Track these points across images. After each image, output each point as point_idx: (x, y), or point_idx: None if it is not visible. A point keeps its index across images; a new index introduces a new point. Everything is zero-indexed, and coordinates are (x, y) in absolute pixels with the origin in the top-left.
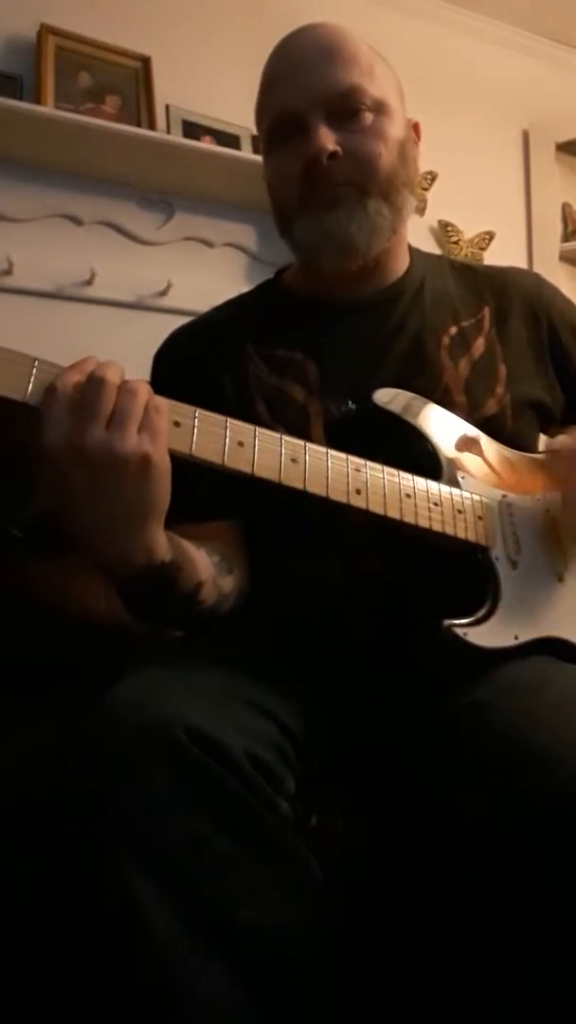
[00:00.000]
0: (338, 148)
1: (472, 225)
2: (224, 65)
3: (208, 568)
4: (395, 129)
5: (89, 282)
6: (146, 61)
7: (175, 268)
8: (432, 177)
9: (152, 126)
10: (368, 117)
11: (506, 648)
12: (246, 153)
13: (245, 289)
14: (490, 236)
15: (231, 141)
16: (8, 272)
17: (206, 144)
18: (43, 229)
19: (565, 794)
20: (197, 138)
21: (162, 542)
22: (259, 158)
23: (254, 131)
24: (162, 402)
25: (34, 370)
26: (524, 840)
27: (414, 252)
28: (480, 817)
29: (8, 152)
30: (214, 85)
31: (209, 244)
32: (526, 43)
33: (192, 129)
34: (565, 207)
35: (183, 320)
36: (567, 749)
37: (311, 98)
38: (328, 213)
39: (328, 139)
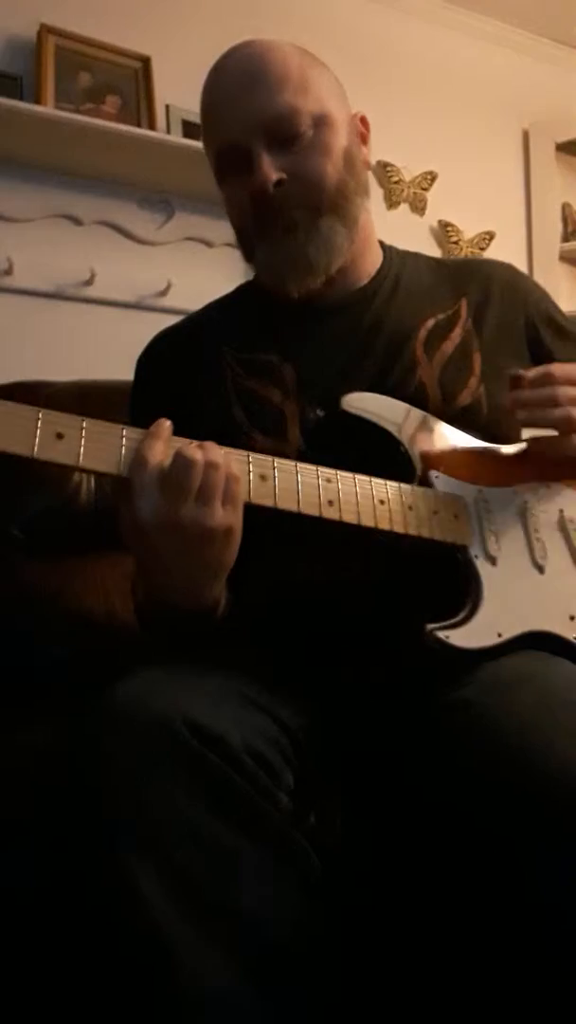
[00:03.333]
0: (282, 175)
1: (472, 225)
2: None
3: None
4: (338, 139)
5: (89, 282)
6: (146, 61)
7: (175, 268)
8: (432, 177)
9: (152, 126)
10: (308, 135)
11: (489, 647)
12: None
13: None
14: (490, 236)
15: None
16: (8, 272)
17: None
18: (43, 229)
19: (544, 788)
20: (197, 138)
21: (223, 590)
22: None
23: None
24: (237, 469)
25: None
26: (513, 835)
27: (387, 249)
28: (470, 813)
29: (8, 152)
30: None
31: (209, 244)
32: (526, 43)
33: (192, 129)
34: (565, 207)
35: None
36: (547, 745)
37: (248, 127)
38: (284, 239)
39: (271, 168)
